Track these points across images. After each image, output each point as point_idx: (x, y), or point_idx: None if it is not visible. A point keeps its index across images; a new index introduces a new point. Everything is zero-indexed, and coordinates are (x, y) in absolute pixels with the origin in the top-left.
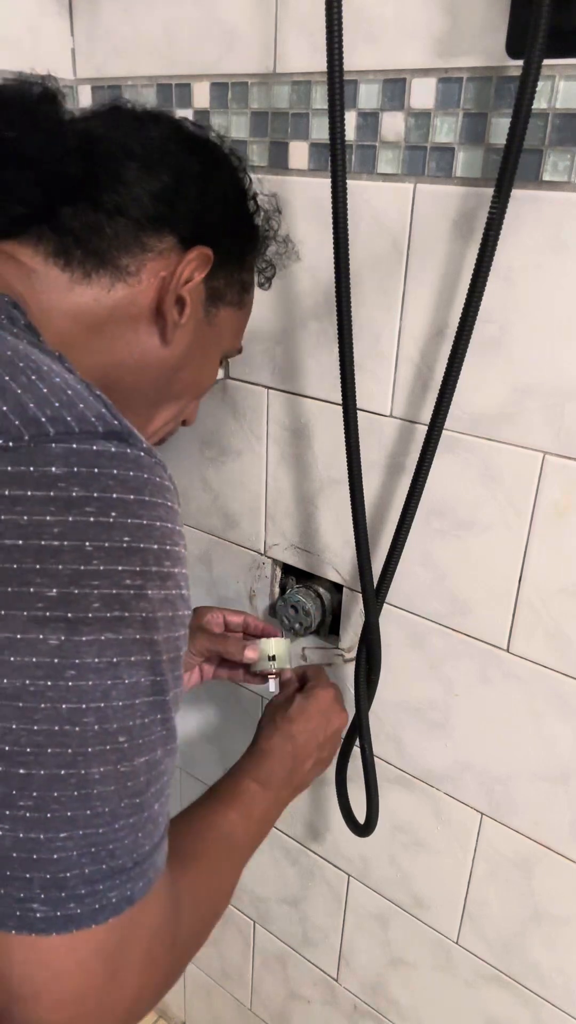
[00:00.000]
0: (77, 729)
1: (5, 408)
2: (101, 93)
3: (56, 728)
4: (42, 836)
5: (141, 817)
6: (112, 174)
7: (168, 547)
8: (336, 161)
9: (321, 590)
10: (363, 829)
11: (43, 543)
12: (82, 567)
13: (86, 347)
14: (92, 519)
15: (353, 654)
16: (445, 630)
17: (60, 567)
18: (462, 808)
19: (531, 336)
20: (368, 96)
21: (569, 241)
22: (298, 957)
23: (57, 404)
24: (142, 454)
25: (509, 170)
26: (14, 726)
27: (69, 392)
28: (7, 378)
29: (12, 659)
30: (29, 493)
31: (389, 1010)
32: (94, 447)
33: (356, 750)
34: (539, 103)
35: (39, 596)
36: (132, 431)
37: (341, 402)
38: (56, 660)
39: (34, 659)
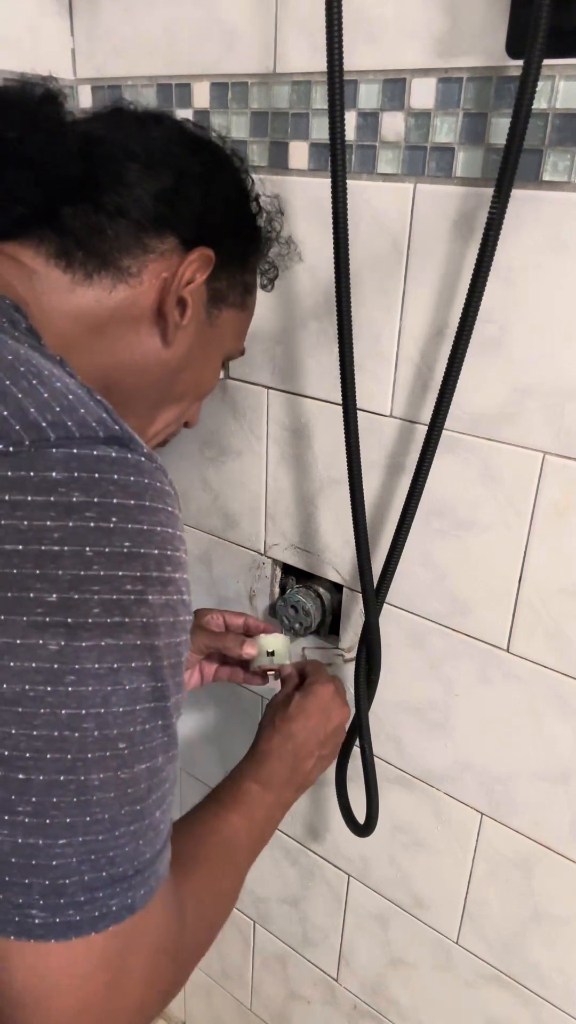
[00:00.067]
0: (77, 735)
1: (6, 412)
2: (101, 93)
3: (55, 734)
4: (41, 842)
5: (142, 824)
6: (113, 175)
7: (169, 552)
8: (336, 161)
9: (321, 590)
10: (363, 829)
11: (43, 548)
12: (82, 572)
13: (87, 348)
14: (92, 524)
15: (353, 654)
16: (445, 630)
17: (60, 572)
18: (462, 808)
19: (531, 336)
20: (368, 96)
21: (569, 241)
22: (298, 957)
23: (58, 409)
24: (142, 459)
25: (509, 170)
26: (13, 731)
27: (70, 397)
28: (8, 382)
29: (12, 664)
30: (29, 498)
31: (389, 1010)
32: (95, 452)
33: (356, 750)
34: (539, 103)
35: (39, 601)
36: (133, 436)
37: (341, 402)
38: (56, 665)
39: (34, 664)
